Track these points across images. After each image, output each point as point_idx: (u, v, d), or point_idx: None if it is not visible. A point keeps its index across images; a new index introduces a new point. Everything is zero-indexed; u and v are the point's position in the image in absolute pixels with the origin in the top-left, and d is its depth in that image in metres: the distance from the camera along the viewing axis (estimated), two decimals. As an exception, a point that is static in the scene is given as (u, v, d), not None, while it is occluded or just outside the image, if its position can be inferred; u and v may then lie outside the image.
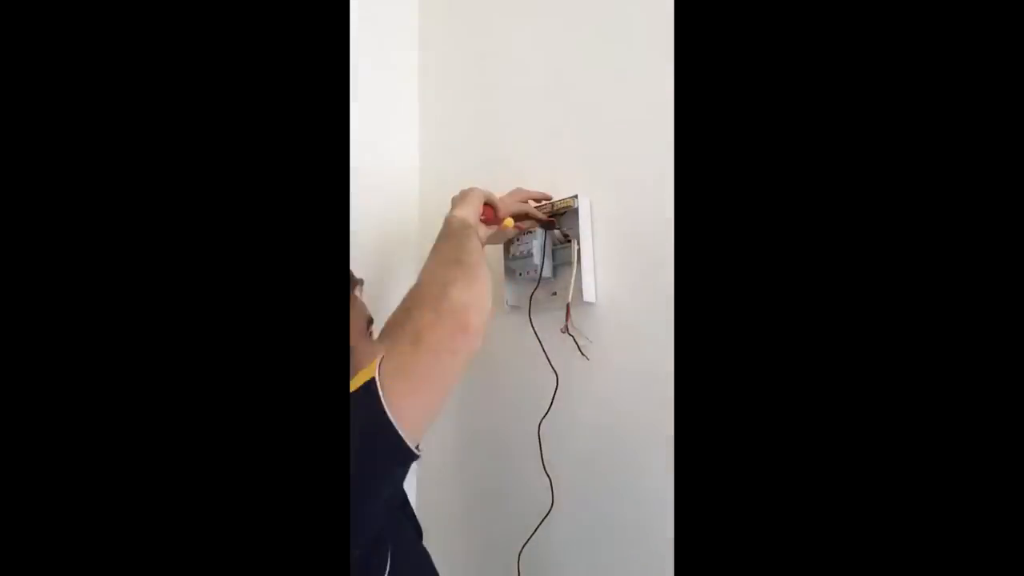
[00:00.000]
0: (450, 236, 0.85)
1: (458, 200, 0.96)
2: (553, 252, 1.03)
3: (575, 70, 1.07)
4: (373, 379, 0.62)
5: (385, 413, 0.61)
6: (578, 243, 0.99)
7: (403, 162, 1.41)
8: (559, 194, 1.02)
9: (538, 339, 1.02)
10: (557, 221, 1.02)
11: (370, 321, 0.83)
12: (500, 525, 1.08)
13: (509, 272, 1.10)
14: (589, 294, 0.98)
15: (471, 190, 0.96)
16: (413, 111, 1.43)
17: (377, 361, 0.63)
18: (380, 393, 0.61)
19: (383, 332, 0.81)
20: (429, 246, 1.48)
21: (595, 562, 0.96)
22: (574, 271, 0.98)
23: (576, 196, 0.99)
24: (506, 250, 1.09)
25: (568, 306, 0.96)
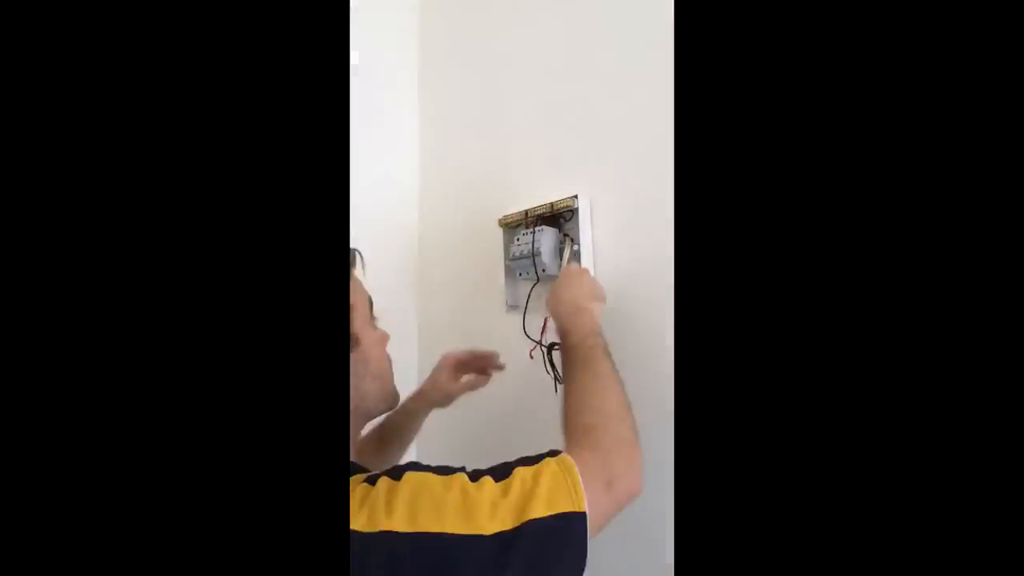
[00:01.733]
0: (610, 356, 0.75)
1: (589, 293, 0.82)
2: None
3: (575, 70, 1.07)
4: (585, 514, 0.56)
5: (586, 551, 0.57)
6: (578, 243, 0.99)
7: (403, 162, 1.41)
8: (559, 194, 1.02)
9: (538, 342, 1.02)
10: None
11: (371, 303, 0.77)
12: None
13: (509, 272, 1.10)
14: (589, 294, 0.98)
15: (592, 281, 0.85)
16: (413, 111, 1.43)
17: (584, 495, 0.57)
18: (587, 535, 0.56)
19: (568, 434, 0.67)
20: (429, 247, 1.48)
21: (596, 562, 0.96)
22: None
23: (576, 196, 0.99)
24: (506, 250, 1.09)
25: (545, 320, 0.93)
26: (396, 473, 0.56)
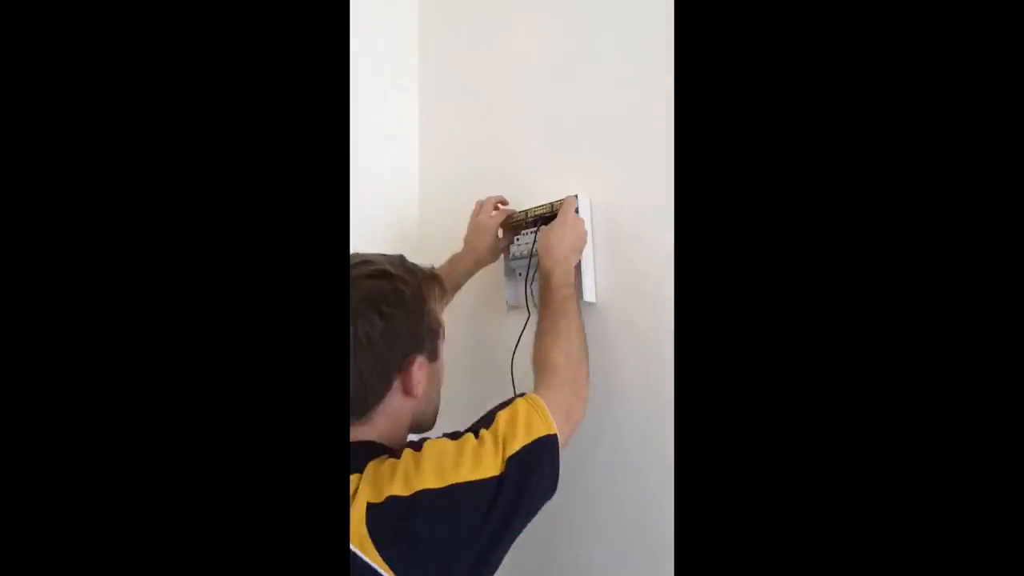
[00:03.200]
0: (577, 307, 0.91)
1: (573, 244, 0.97)
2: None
3: (575, 70, 1.07)
4: (556, 435, 0.73)
5: (558, 465, 0.73)
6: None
7: (403, 163, 1.41)
8: (559, 194, 1.02)
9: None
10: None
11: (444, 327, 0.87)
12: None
13: (509, 272, 1.10)
14: (589, 294, 0.98)
15: (582, 231, 0.98)
16: (413, 111, 1.43)
17: (552, 420, 0.74)
18: (560, 450, 0.73)
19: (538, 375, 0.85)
20: (428, 247, 1.48)
21: (595, 562, 0.96)
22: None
23: (576, 196, 0.99)
24: (506, 250, 1.09)
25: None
26: (416, 446, 0.70)
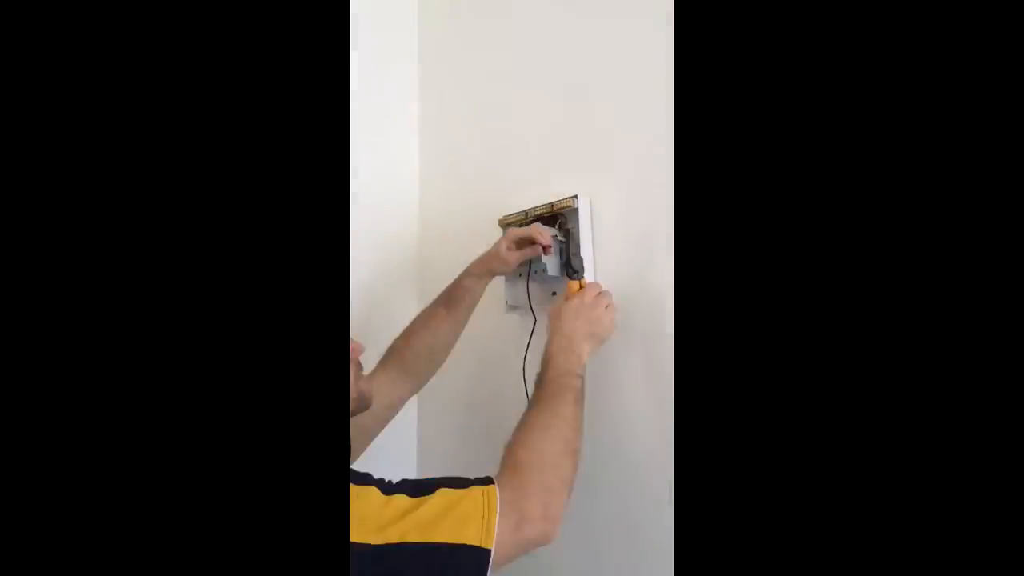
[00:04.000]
0: (579, 401, 0.78)
1: (587, 329, 0.83)
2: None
3: (575, 70, 1.07)
4: (490, 552, 0.59)
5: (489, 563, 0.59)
6: (577, 243, 0.99)
7: (403, 163, 1.41)
8: (559, 194, 1.02)
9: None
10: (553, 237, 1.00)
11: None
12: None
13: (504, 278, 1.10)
14: (589, 294, 0.98)
15: (600, 315, 0.85)
16: (413, 111, 1.43)
17: (494, 534, 0.60)
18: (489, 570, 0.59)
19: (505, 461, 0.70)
20: (428, 248, 1.47)
21: (594, 564, 0.96)
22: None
23: (576, 196, 0.99)
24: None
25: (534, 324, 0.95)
26: (387, 488, 0.60)
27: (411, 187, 1.41)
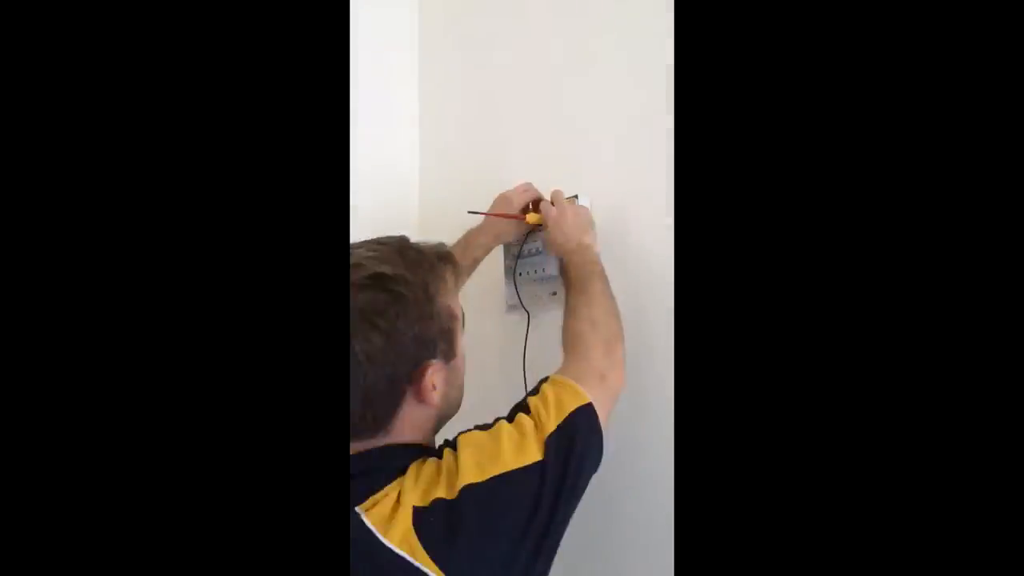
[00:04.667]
0: (605, 278, 0.88)
1: (583, 226, 0.93)
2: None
3: (575, 70, 1.07)
4: (591, 403, 0.70)
5: (602, 432, 0.71)
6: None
7: (403, 162, 1.41)
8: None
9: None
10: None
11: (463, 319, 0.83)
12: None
13: (508, 272, 1.09)
14: (589, 294, 0.98)
15: (585, 213, 0.95)
16: (413, 111, 1.43)
17: (583, 391, 0.71)
18: (599, 418, 0.71)
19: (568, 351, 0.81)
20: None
21: (594, 565, 0.96)
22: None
23: (576, 196, 0.99)
24: (506, 250, 1.09)
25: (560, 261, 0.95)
26: (452, 444, 0.69)
27: (411, 187, 1.41)
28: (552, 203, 0.94)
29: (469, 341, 1.17)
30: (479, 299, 1.20)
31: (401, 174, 1.40)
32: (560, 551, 0.99)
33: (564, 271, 0.91)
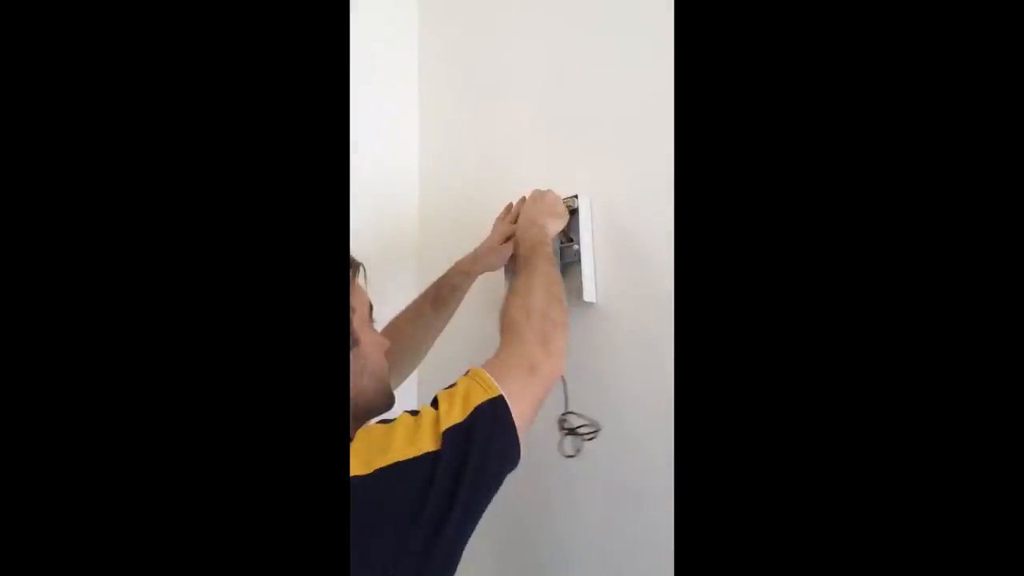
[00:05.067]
0: (551, 260, 0.87)
1: (545, 210, 0.94)
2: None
3: (575, 70, 1.07)
4: (502, 396, 0.68)
5: (515, 427, 0.67)
6: (578, 243, 0.99)
7: (403, 162, 1.41)
8: (560, 194, 1.02)
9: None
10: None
11: (371, 308, 0.81)
12: (501, 521, 1.07)
13: (508, 272, 1.09)
14: (589, 294, 0.98)
15: (552, 198, 0.96)
16: (413, 111, 1.43)
17: (497, 385, 0.69)
18: (512, 412, 0.67)
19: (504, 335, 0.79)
20: (428, 245, 1.48)
21: (594, 562, 0.96)
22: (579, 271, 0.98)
23: (576, 196, 0.99)
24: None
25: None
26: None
27: (411, 187, 1.41)
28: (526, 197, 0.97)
29: (469, 341, 1.17)
30: (479, 299, 1.20)
31: (401, 174, 1.40)
32: (560, 551, 1.00)
33: (514, 253, 0.92)
